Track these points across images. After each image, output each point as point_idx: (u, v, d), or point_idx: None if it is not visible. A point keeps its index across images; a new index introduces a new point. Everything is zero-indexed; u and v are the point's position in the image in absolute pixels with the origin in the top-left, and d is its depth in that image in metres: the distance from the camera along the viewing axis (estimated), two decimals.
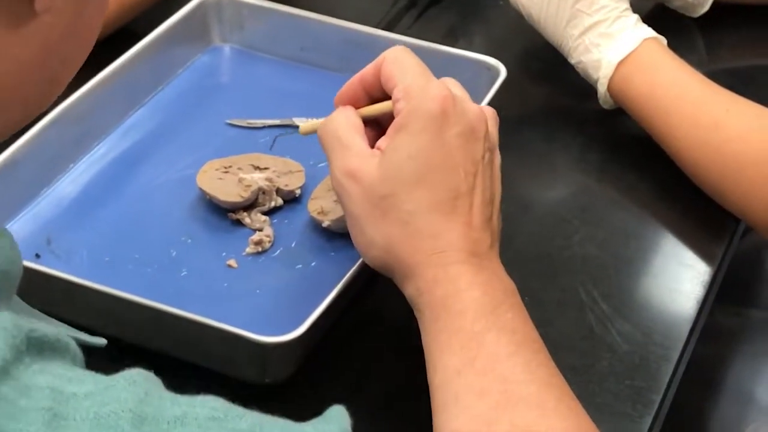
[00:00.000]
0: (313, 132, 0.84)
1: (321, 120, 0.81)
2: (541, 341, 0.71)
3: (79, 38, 0.54)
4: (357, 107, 0.81)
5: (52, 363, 0.45)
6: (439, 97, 0.76)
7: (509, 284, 0.73)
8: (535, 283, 0.89)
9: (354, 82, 0.81)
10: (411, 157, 0.74)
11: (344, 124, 0.78)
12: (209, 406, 0.48)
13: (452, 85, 0.78)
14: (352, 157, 0.76)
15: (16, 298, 0.50)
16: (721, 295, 0.98)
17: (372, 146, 0.77)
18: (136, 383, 0.46)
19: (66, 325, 0.52)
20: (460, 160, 0.75)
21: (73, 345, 0.48)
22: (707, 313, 0.91)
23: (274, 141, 0.97)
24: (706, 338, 0.99)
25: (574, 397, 0.68)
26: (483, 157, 0.77)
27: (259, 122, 1.00)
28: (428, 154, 0.74)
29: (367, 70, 0.80)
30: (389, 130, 0.76)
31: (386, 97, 0.80)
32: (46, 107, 0.60)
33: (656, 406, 0.80)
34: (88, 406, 0.43)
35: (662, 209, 0.98)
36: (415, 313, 0.73)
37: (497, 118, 0.81)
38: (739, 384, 1.08)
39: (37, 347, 0.44)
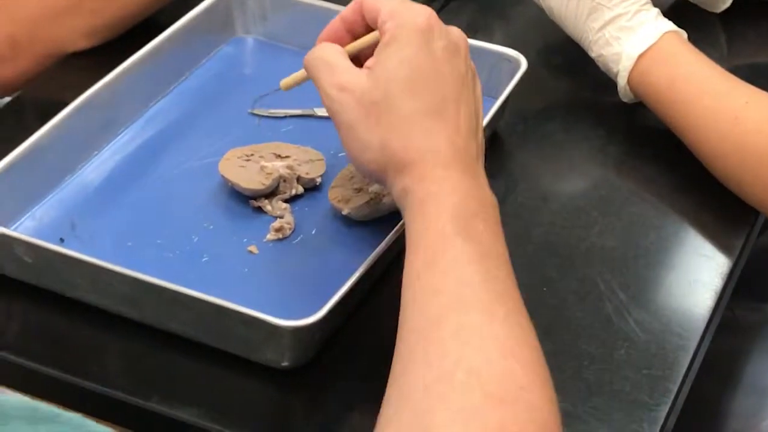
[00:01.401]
0: (294, 85, 0.86)
1: (300, 71, 0.83)
2: (507, 258, 0.72)
3: None
4: (341, 44, 0.83)
5: None
6: (425, 13, 0.78)
7: (490, 198, 0.75)
8: (553, 273, 0.90)
9: (335, 23, 0.84)
10: (402, 64, 0.76)
11: (329, 49, 0.80)
12: None
13: None
14: (342, 72, 0.78)
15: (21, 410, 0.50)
16: (739, 290, 0.98)
17: None
18: None
19: (76, 417, 0.51)
20: (447, 70, 0.78)
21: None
22: (725, 306, 0.90)
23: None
24: (724, 332, 0.99)
25: (527, 316, 0.69)
26: (467, 73, 0.79)
27: (281, 112, 1.01)
28: (417, 62, 0.76)
29: (348, 9, 0.83)
30: (377, 48, 0.78)
31: (368, 31, 0.83)
32: None
33: (673, 395, 0.80)
34: None
35: (681, 201, 0.98)
36: (402, 215, 0.76)
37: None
38: (756, 378, 1.08)
39: None
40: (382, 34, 0.78)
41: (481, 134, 0.80)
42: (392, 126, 0.75)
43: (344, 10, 0.83)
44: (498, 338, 0.66)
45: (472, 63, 0.81)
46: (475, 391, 0.63)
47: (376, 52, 0.77)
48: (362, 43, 0.81)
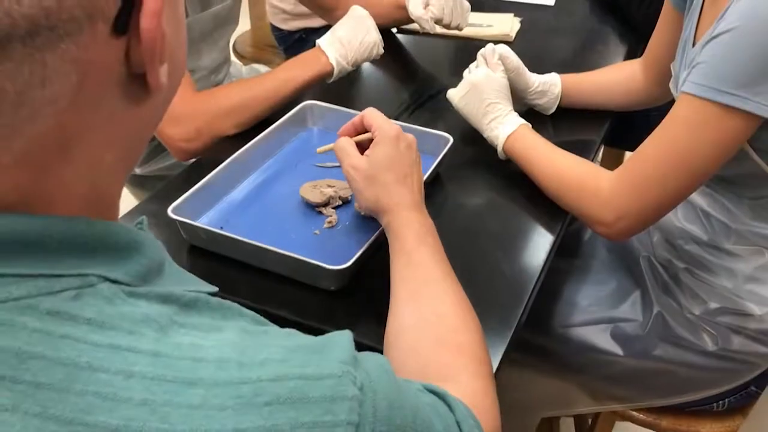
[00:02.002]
0: (327, 150, 0.87)
1: (331, 144, 0.83)
2: (444, 254, 0.72)
3: (175, 87, 0.44)
4: (351, 137, 0.83)
5: (192, 318, 0.39)
6: (396, 128, 0.80)
7: (432, 224, 0.76)
8: (465, 246, 0.91)
9: (348, 125, 0.84)
10: (384, 156, 0.78)
11: (347, 143, 0.80)
12: (277, 337, 0.41)
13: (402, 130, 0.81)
14: (353, 158, 0.79)
15: (171, 265, 0.44)
16: (560, 251, 0.97)
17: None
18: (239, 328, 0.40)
19: (196, 280, 0.45)
20: (407, 158, 0.79)
21: (202, 296, 0.41)
22: (552, 260, 0.91)
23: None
24: (552, 273, 1.01)
25: (460, 286, 0.69)
26: (415, 159, 0.81)
27: (329, 164, 1.02)
28: (391, 155, 0.78)
29: (356, 118, 0.84)
30: (371, 146, 0.79)
31: (365, 132, 0.83)
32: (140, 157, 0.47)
33: (524, 303, 0.82)
34: (212, 350, 0.36)
35: (532, 206, 0.98)
36: (387, 236, 0.76)
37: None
38: (569, 296, 1.07)
39: (181, 308, 0.38)
40: (373, 137, 0.80)
41: (422, 190, 0.81)
42: (380, 189, 0.77)
43: (354, 118, 0.84)
44: (449, 294, 0.67)
45: (418, 152, 0.82)
46: (442, 325, 0.64)
47: (370, 148, 0.79)
48: (362, 138, 0.82)
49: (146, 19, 0.36)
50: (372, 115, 0.82)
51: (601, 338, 1.03)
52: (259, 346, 0.38)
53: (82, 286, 0.36)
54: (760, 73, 0.74)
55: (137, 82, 0.38)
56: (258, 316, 0.44)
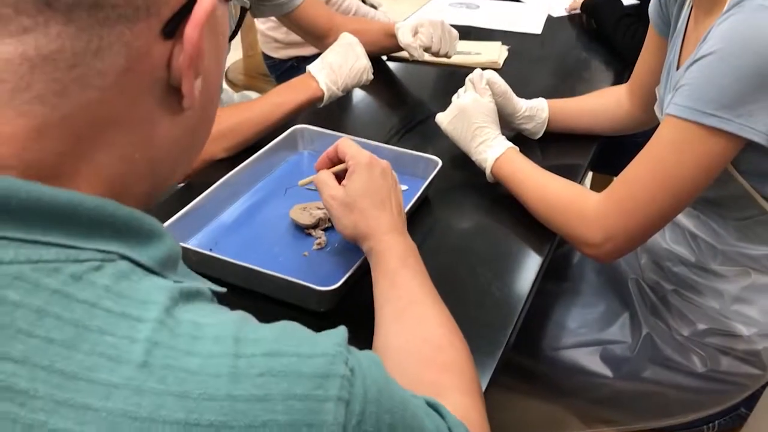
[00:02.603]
0: (307, 183, 0.88)
1: (311, 177, 0.85)
2: (426, 272, 0.73)
3: (205, 125, 0.48)
4: (328, 168, 0.85)
5: (194, 304, 0.40)
6: (368, 155, 0.81)
7: (413, 246, 0.76)
8: (455, 266, 0.91)
9: (324, 157, 0.86)
10: (359, 184, 0.79)
11: (325, 175, 0.82)
12: (274, 325, 0.41)
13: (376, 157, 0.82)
14: (332, 188, 0.80)
15: (181, 264, 0.46)
16: (549, 273, 1.01)
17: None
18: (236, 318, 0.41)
19: (206, 280, 0.47)
20: (382, 184, 0.80)
21: (208, 291, 0.43)
22: (541, 281, 0.91)
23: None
24: (541, 295, 1.03)
25: (444, 306, 0.69)
26: (392, 184, 0.81)
27: (313, 187, 0.98)
28: (366, 181, 0.79)
29: (331, 150, 0.85)
30: (347, 175, 0.81)
31: (340, 162, 0.84)
32: (179, 179, 0.51)
33: (513, 324, 0.81)
34: (210, 328, 0.38)
35: (521, 227, 0.98)
36: (369, 261, 0.77)
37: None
38: (557, 317, 1.07)
39: (186, 295, 0.40)
40: (348, 166, 0.81)
41: (403, 213, 0.82)
42: (358, 216, 0.78)
43: (329, 149, 0.85)
44: (433, 314, 0.67)
45: (395, 175, 0.83)
46: (427, 345, 0.64)
47: (346, 177, 0.81)
48: (339, 168, 0.84)
49: (191, 28, 0.40)
50: (345, 145, 0.83)
51: (590, 360, 1.03)
52: (256, 327, 0.40)
53: (104, 260, 0.38)
54: (741, 95, 0.75)
55: (174, 94, 0.42)
56: None
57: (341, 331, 0.43)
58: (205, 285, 0.45)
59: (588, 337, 1.04)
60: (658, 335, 1.01)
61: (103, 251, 0.39)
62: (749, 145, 0.79)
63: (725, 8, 0.80)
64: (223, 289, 0.47)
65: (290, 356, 0.38)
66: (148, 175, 0.44)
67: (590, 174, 1.94)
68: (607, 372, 1.01)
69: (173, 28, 0.40)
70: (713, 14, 0.84)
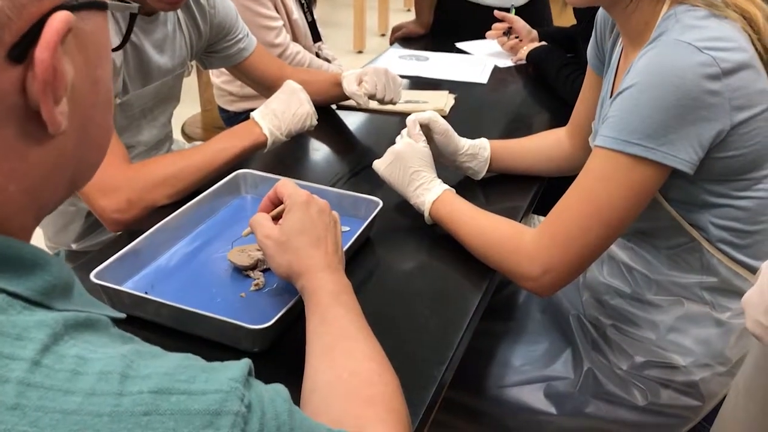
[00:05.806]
0: (248, 233, 0.86)
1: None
2: (359, 309, 0.72)
3: (90, 144, 0.44)
4: (267, 212, 0.84)
5: (84, 335, 0.38)
6: (305, 195, 0.81)
7: (347, 283, 0.75)
8: (392, 303, 0.91)
9: (265, 200, 0.86)
10: (295, 222, 0.78)
11: (261, 217, 0.82)
12: (171, 358, 0.40)
13: (314, 196, 0.82)
14: (266, 228, 0.79)
15: (80, 292, 0.43)
16: (493, 314, 1.00)
17: None
18: (127, 355, 0.38)
19: (104, 306, 0.45)
20: (318, 222, 0.79)
21: (105, 320, 0.41)
22: (480, 320, 0.90)
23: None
24: (482, 336, 1.04)
25: (377, 341, 0.68)
26: (329, 222, 0.81)
27: None
28: (302, 219, 0.79)
29: (271, 192, 0.85)
30: (283, 214, 0.81)
31: (280, 204, 0.84)
32: (62, 202, 0.47)
33: (448, 360, 0.80)
34: (95, 363, 0.36)
35: (460, 264, 0.98)
36: (303, 298, 0.75)
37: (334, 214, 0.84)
38: (502, 356, 1.07)
39: (74, 326, 0.38)
40: (285, 206, 0.81)
41: (341, 251, 0.81)
42: (292, 254, 0.77)
43: (269, 192, 0.85)
44: (363, 349, 0.67)
45: (335, 214, 0.83)
46: (354, 381, 0.63)
47: (282, 216, 0.81)
48: (279, 210, 0.84)
49: (40, 51, 0.37)
50: (283, 186, 0.83)
51: (534, 398, 1.03)
52: (149, 361, 0.38)
53: None
54: (663, 125, 0.77)
55: (36, 119, 0.39)
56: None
57: (242, 364, 0.42)
58: (103, 312, 0.43)
59: (532, 374, 1.05)
60: (599, 370, 1.02)
61: None
62: (675, 173, 0.81)
63: (647, 42, 0.83)
64: (123, 315, 0.45)
65: (179, 394, 0.36)
66: (28, 204, 0.41)
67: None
68: (551, 409, 1.02)
69: (20, 51, 0.36)
70: (639, 48, 0.87)
